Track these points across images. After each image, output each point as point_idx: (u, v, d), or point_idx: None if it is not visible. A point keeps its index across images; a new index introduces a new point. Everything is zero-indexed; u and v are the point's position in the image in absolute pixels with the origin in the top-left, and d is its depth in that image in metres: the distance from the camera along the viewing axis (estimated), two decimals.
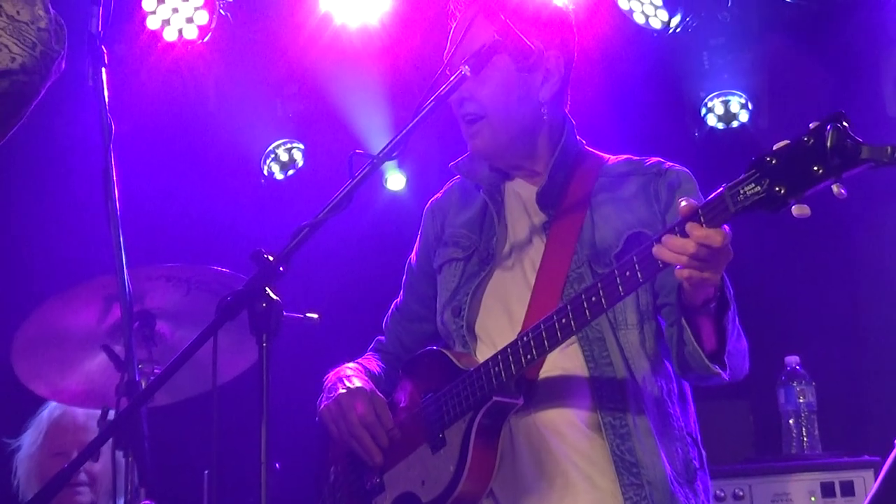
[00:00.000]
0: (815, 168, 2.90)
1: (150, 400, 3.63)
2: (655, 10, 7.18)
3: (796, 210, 2.96)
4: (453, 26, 4.02)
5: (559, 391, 3.77)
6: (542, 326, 3.57)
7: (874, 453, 5.97)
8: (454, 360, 3.89)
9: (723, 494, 6.12)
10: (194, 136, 7.62)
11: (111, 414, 4.11)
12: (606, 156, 4.09)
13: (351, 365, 4.21)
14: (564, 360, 3.78)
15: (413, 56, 7.14)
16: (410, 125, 3.53)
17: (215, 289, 4.42)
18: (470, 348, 3.96)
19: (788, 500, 6.16)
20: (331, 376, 4.14)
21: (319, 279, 6.99)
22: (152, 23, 7.02)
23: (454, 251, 4.12)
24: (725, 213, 3.10)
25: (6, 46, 2.99)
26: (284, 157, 7.89)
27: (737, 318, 3.58)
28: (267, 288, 3.14)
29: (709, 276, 3.25)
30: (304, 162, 7.86)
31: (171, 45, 7.09)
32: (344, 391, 4.01)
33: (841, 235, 7.30)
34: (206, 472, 4.73)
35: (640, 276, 3.34)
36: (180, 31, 7.05)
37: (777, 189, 2.97)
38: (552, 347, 3.58)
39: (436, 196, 4.36)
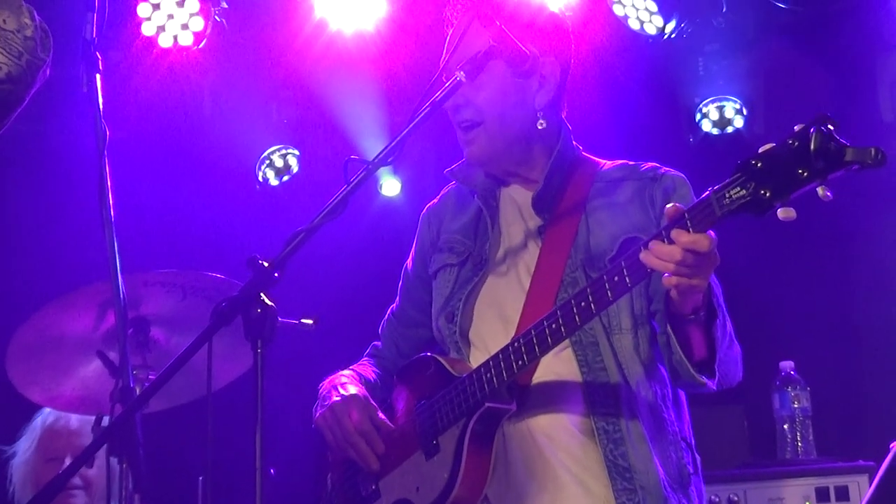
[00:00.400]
0: (800, 171, 2.89)
1: (145, 406, 3.63)
2: (650, 15, 7.19)
3: (782, 213, 2.95)
4: (449, 32, 4.02)
5: (552, 396, 3.77)
6: (532, 332, 3.57)
7: (869, 458, 5.97)
8: (447, 366, 3.89)
9: (717, 500, 6.12)
10: (189, 142, 7.62)
11: (105, 420, 4.11)
12: (602, 161, 4.09)
13: (346, 372, 4.21)
14: (558, 365, 3.77)
15: (408, 62, 7.14)
16: (405, 131, 3.53)
17: (210, 295, 4.42)
18: (464, 354, 3.96)
19: None
20: (325, 384, 4.14)
21: (314, 285, 6.98)
22: (147, 29, 7.02)
23: (449, 257, 4.12)
24: (712, 216, 3.10)
25: None
26: (279, 162, 7.89)
27: (728, 326, 3.57)
28: (262, 294, 3.14)
29: (697, 282, 3.24)
30: (300, 168, 7.86)
31: (167, 51, 7.09)
32: (338, 399, 4.01)
33: (835, 240, 7.30)
34: (201, 478, 4.72)
35: (628, 280, 3.34)
36: (175, 38, 7.06)
37: (762, 192, 2.96)
38: (543, 353, 3.58)
39: (432, 202, 4.36)
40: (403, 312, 4.38)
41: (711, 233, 3.16)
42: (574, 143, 4.10)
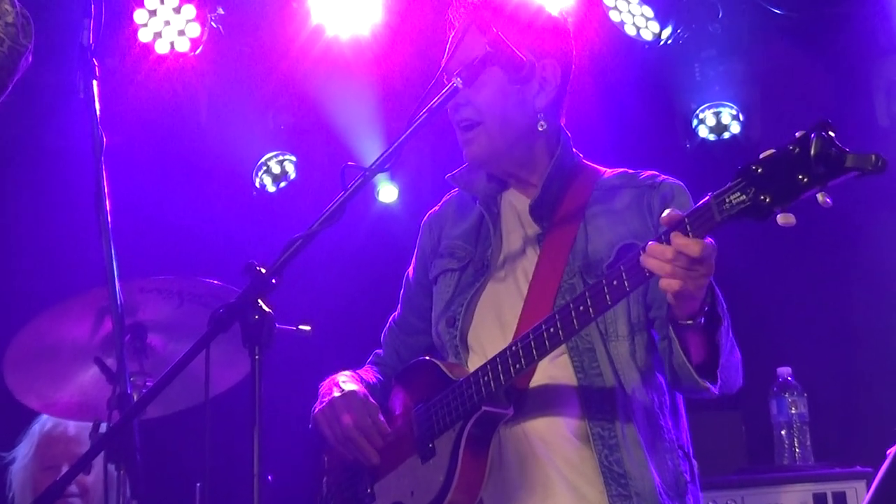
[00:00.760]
0: (800, 177, 2.90)
1: (143, 412, 3.63)
2: (646, 21, 7.20)
3: (781, 219, 2.96)
4: (449, 37, 4.02)
5: (548, 401, 3.77)
6: (530, 336, 3.58)
7: (866, 464, 5.98)
8: (445, 370, 3.89)
9: None
10: (186, 148, 7.62)
11: (103, 427, 4.10)
12: (602, 169, 4.09)
13: (346, 372, 4.23)
14: (554, 371, 3.78)
15: (405, 68, 7.14)
16: (402, 137, 3.53)
17: (207, 301, 4.41)
18: (462, 359, 3.96)
19: None
20: (326, 382, 4.15)
21: (312, 291, 6.99)
22: (144, 35, 7.03)
23: (450, 262, 4.13)
24: (711, 221, 3.10)
25: None
26: (276, 169, 7.90)
27: (730, 332, 3.58)
28: (259, 300, 3.15)
29: (692, 287, 3.24)
30: (297, 174, 7.87)
31: (163, 57, 7.10)
32: (338, 394, 4.03)
33: (833, 245, 7.30)
34: (199, 484, 4.71)
35: (626, 285, 3.34)
36: (172, 44, 7.07)
37: (762, 198, 2.97)
38: (541, 357, 3.58)
39: (433, 209, 4.37)
40: (404, 320, 4.38)
41: (709, 240, 3.16)
42: (574, 150, 4.10)
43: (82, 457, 3.45)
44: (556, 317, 3.51)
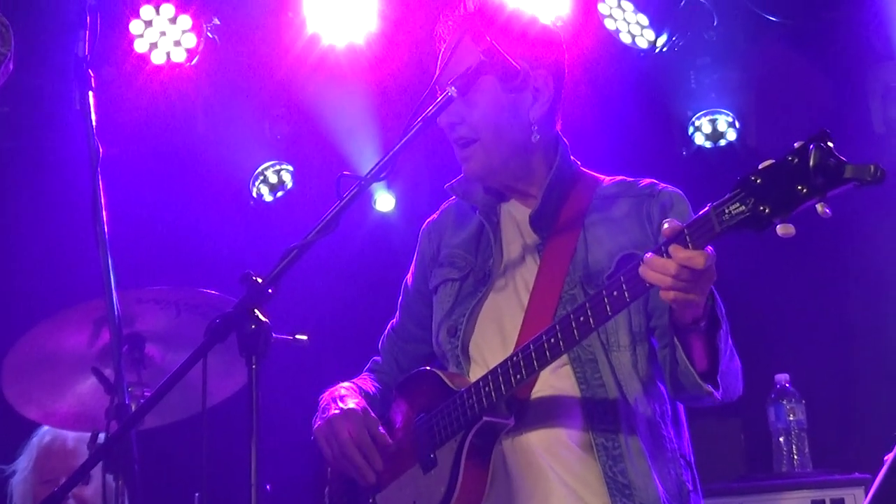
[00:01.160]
0: (799, 187, 2.90)
1: (141, 422, 3.63)
2: (642, 29, 7.20)
3: (781, 230, 2.96)
4: (442, 47, 4.02)
5: (551, 412, 3.76)
6: (531, 346, 3.57)
7: (865, 471, 5.97)
8: (446, 380, 3.89)
9: None
10: (183, 158, 7.62)
11: (101, 437, 4.10)
12: (602, 177, 4.09)
13: (345, 385, 4.21)
14: (556, 381, 3.77)
15: (402, 77, 7.14)
16: (398, 146, 3.53)
17: (204, 311, 4.42)
18: (463, 369, 3.96)
19: None
20: (325, 396, 4.14)
21: (309, 301, 6.99)
22: (140, 46, 7.03)
23: (450, 271, 4.12)
24: (711, 232, 3.10)
25: None
26: (273, 178, 7.90)
27: (729, 338, 3.58)
28: (256, 310, 3.15)
29: (693, 297, 3.24)
30: (294, 184, 7.86)
31: (159, 68, 7.10)
32: (337, 411, 4.01)
33: (831, 253, 7.30)
34: (197, 494, 4.71)
35: (627, 295, 3.34)
36: (168, 55, 7.07)
37: (762, 208, 2.97)
38: (541, 367, 3.58)
39: (432, 217, 4.36)
40: (403, 328, 4.38)
41: (710, 249, 3.16)
42: (572, 157, 4.10)
43: (80, 467, 3.45)
44: (557, 327, 3.51)
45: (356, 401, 4.07)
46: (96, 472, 3.50)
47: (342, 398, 4.08)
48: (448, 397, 3.82)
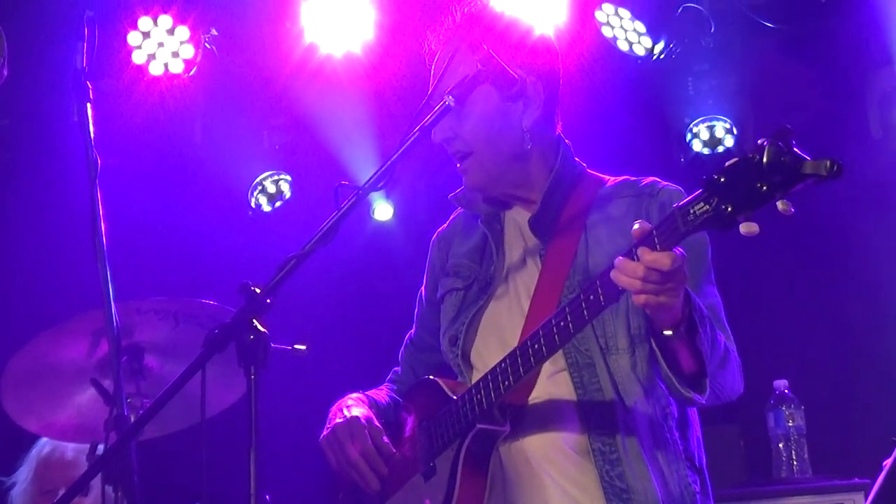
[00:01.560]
0: (759, 185, 2.87)
1: (140, 433, 3.63)
2: (639, 37, 7.21)
3: (744, 228, 2.93)
4: (437, 56, 4.02)
5: (548, 417, 3.76)
6: (517, 352, 3.58)
7: (864, 476, 5.98)
8: (445, 388, 3.90)
9: None
10: (181, 169, 7.63)
11: (100, 448, 4.10)
12: (606, 177, 4.07)
13: (354, 395, 4.23)
14: (553, 386, 3.77)
15: (400, 86, 7.15)
16: (395, 156, 3.53)
17: (203, 322, 4.41)
18: (466, 377, 3.96)
19: None
20: (334, 406, 4.15)
21: (308, 311, 6.99)
22: (138, 57, 7.05)
23: (455, 281, 4.12)
24: (677, 232, 3.08)
25: None
26: (272, 188, 7.92)
27: (720, 338, 3.55)
28: (254, 320, 3.15)
29: (665, 300, 3.21)
30: (292, 193, 7.88)
31: (157, 79, 7.12)
32: (341, 420, 4.04)
33: (830, 258, 7.31)
34: None
35: (602, 300, 3.33)
36: (166, 65, 7.09)
37: (724, 207, 2.94)
38: (527, 372, 3.58)
39: (442, 227, 4.36)
40: (419, 338, 4.40)
41: (678, 250, 3.14)
42: (576, 159, 4.08)
43: (80, 478, 3.45)
44: (541, 332, 3.52)
45: (362, 410, 4.09)
46: (95, 482, 3.50)
47: (348, 408, 4.11)
48: (446, 405, 3.83)
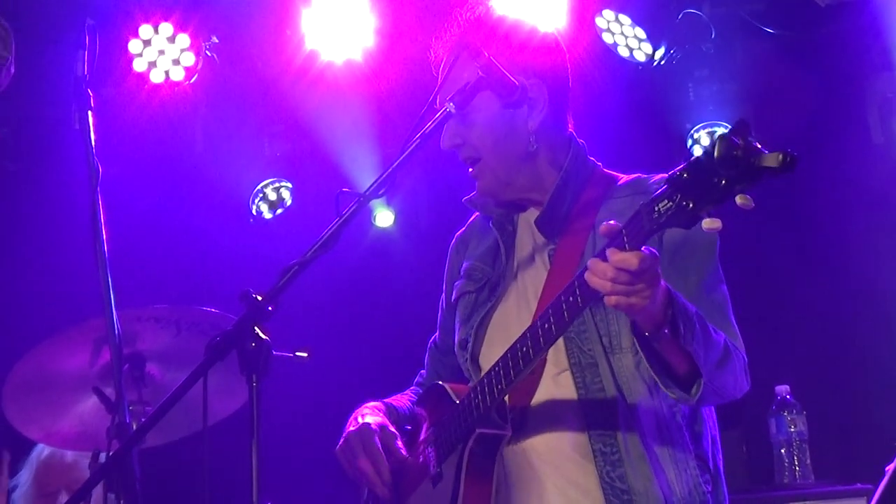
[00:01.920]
0: (716, 180, 2.85)
1: (142, 441, 3.63)
2: (639, 43, 7.21)
3: (706, 224, 2.91)
4: (441, 62, 4.01)
5: (550, 419, 3.75)
6: (508, 355, 3.58)
7: (866, 481, 5.97)
8: (451, 393, 3.90)
9: None
10: (182, 177, 7.64)
11: (102, 456, 4.10)
12: (620, 175, 4.04)
13: (372, 403, 4.22)
14: (555, 387, 3.76)
15: (401, 92, 7.16)
16: (396, 163, 3.53)
17: (205, 329, 4.42)
18: (475, 380, 3.94)
19: None
20: (351, 416, 4.15)
21: (309, 318, 6.99)
22: (139, 65, 7.06)
23: (468, 284, 4.11)
24: (643, 230, 3.07)
25: None
26: (273, 196, 7.92)
27: (715, 337, 3.50)
28: (256, 327, 3.15)
29: (636, 301, 3.18)
30: (293, 201, 7.88)
31: (158, 86, 7.13)
32: (353, 429, 4.04)
33: (832, 263, 7.30)
34: None
35: (580, 301, 3.32)
36: (167, 73, 7.09)
37: (685, 203, 2.93)
38: (518, 375, 3.57)
39: (460, 230, 4.35)
40: (441, 340, 4.39)
41: (648, 250, 3.11)
42: (591, 159, 4.06)
43: (82, 486, 3.45)
44: (528, 335, 3.51)
45: (376, 418, 4.08)
46: (98, 490, 3.50)
47: (362, 416, 4.10)
48: (451, 410, 3.83)
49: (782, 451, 6.53)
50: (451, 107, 3.66)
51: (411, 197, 7.79)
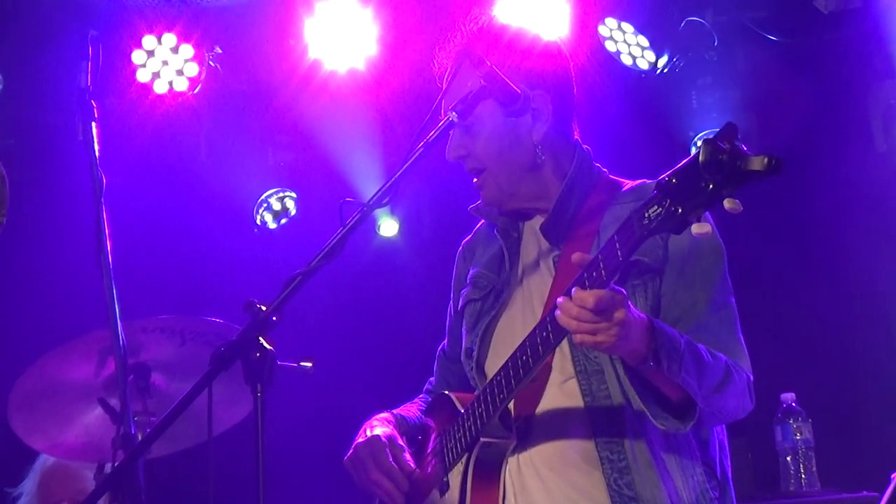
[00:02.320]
0: (703, 184, 2.86)
1: (147, 452, 3.63)
2: (642, 51, 7.22)
3: (695, 229, 2.92)
4: (445, 72, 4.01)
5: (556, 426, 3.74)
6: (509, 364, 3.58)
7: (872, 489, 5.96)
8: (456, 402, 3.90)
9: None
10: (186, 187, 7.64)
11: (108, 467, 4.10)
12: (625, 182, 4.04)
13: (381, 414, 4.21)
14: (561, 395, 3.75)
15: (404, 102, 7.16)
16: (399, 172, 3.53)
17: (210, 340, 4.42)
18: (479, 389, 3.92)
19: None
20: (361, 428, 4.14)
21: (313, 327, 6.99)
22: (142, 76, 7.06)
23: (473, 292, 4.11)
24: (633, 236, 3.08)
25: None
26: (277, 205, 7.92)
27: (714, 363, 3.49)
28: (260, 337, 3.15)
29: (603, 339, 3.20)
30: (297, 210, 7.88)
31: (162, 97, 7.13)
32: (362, 440, 4.03)
33: (835, 271, 7.30)
34: None
35: (552, 337, 3.38)
36: (170, 84, 7.10)
37: (674, 208, 2.94)
38: (518, 385, 3.57)
39: (466, 237, 4.35)
40: (449, 348, 4.38)
41: (610, 289, 3.14)
42: (597, 164, 4.05)
43: (88, 497, 3.46)
44: (527, 343, 3.51)
45: (384, 430, 4.07)
46: (103, 501, 3.50)
47: (371, 427, 4.09)
48: (456, 420, 3.83)
49: (788, 458, 6.52)
50: (453, 115, 3.66)
51: (415, 206, 7.79)
